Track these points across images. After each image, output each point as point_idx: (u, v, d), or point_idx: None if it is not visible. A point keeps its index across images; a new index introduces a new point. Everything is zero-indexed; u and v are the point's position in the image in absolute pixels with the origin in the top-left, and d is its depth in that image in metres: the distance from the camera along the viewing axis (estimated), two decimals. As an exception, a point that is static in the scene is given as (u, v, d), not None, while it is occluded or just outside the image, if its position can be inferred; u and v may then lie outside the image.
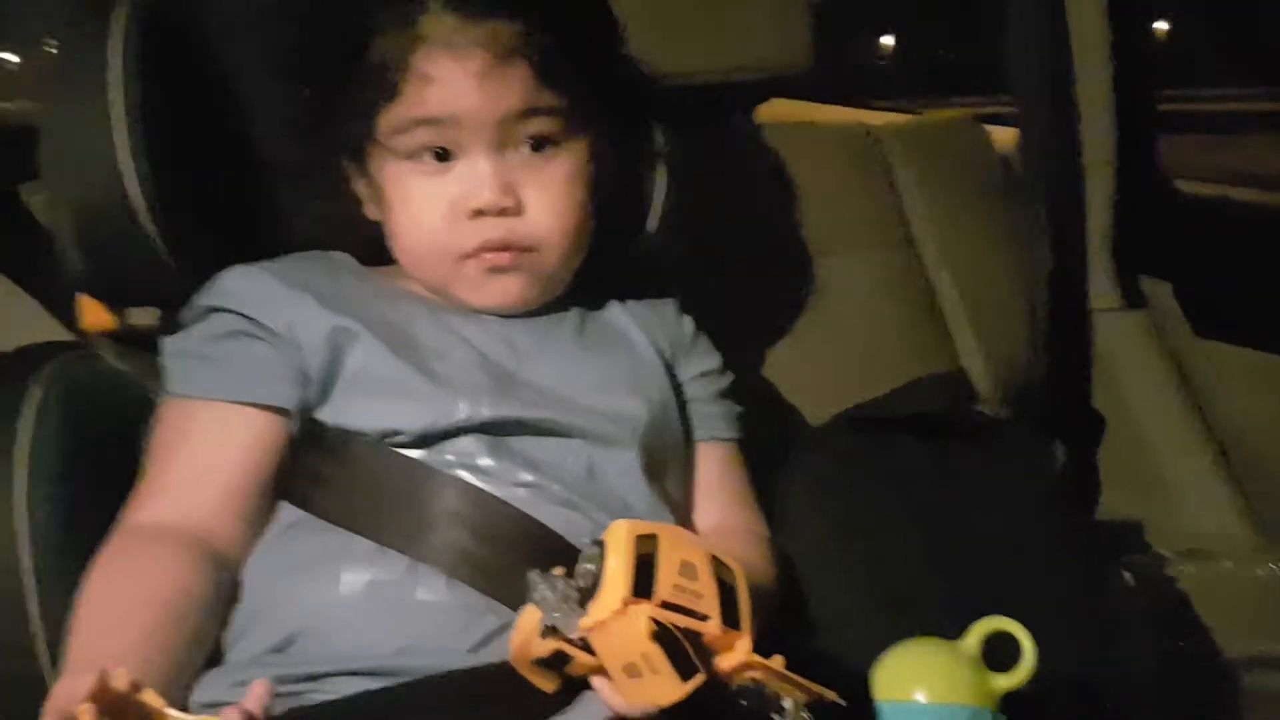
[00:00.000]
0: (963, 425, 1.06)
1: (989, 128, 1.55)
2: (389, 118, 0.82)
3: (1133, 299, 1.41)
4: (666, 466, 0.89)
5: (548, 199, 0.84)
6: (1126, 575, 1.02)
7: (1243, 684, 1.11)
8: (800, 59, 1.39)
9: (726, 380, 0.97)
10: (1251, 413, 1.35)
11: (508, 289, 0.86)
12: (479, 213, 0.82)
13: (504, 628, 0.75)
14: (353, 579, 0.77)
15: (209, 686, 0.74)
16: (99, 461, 0.85)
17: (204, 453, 0.80)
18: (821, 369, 1.26)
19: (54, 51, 0.89)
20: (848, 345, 1.29)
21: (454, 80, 0.80)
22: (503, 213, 0.83)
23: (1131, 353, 1.40)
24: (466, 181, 0.82)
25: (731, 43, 1.35)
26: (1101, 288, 1.41)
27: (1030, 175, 1.39)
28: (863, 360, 1.29)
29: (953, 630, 0.78)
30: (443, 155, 0.83)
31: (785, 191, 1.34)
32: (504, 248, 0.84)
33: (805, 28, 1.38)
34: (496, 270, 0.85)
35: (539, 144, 0.84)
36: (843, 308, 1.31)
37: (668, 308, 0.98)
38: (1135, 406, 1.38)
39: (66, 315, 0.96)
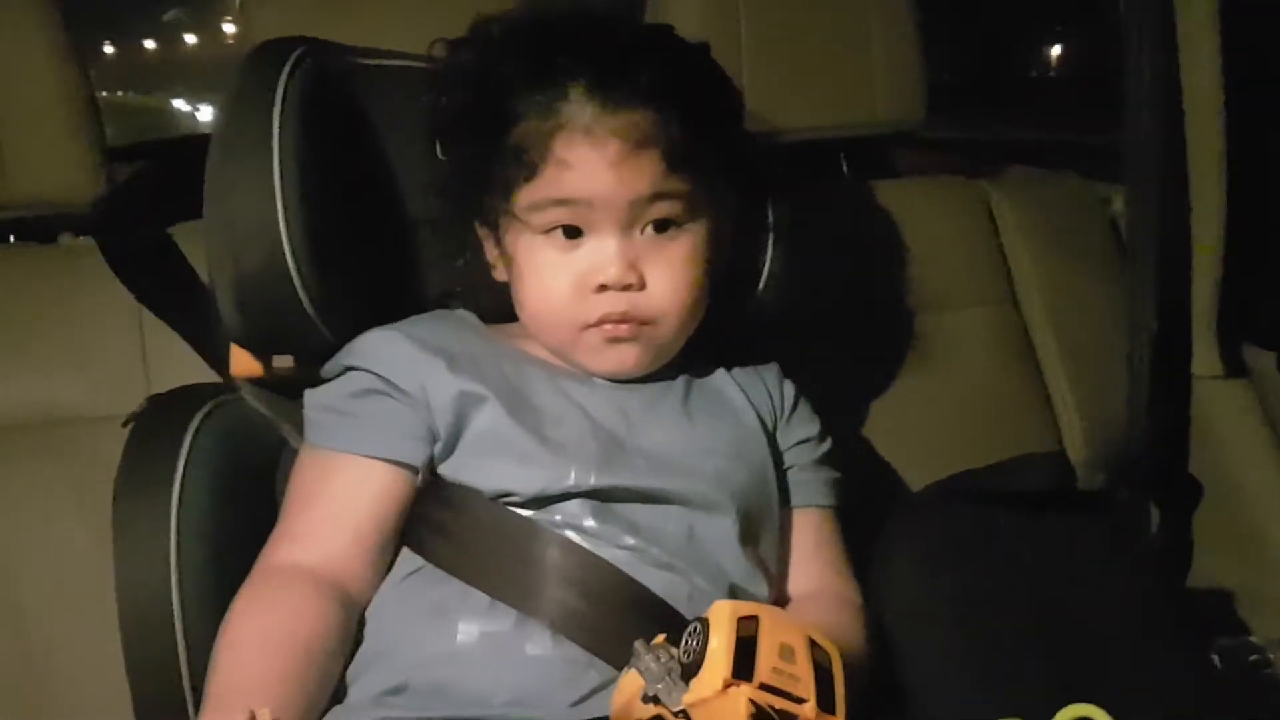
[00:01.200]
0: (1060, 502, 1.07)
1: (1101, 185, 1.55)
2: (526, 195, 0.87)
3: (1235, 368, 1.41)
4: (763, 532, 0.93)
5: (668, 277, 0.89)
6: (1215, 659, 1.03)
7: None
8: (914, 112, 1.41)
9: (826, 447, 1.00)
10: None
11: (625, 357, 0.91)
12: (604, 287, 0.88)
13: (605, 684, 0.80)
14: (468, 629, 0.82)
15: (336, 723, 0.80)
16: (241, 499, 0.92)
17: (339, 501, 0.86)
18: (922, 428, 1.28)
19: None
20: (949, 405, 1.31)
21: (590, 166, 0.85)
22: (626, 288, 0.88)
23: (1232, 421, 1.39)
24: (594, 258, 0.88)
25: (848, 99, 1.38)
26: (1204, 354, 1.40)
27: (1137, 237, 1.39)
28: (963, 420, 1.31)
29: (1045, 711, 0.80)
30: (573, 232, 0.88)
31: (893, 247, 1.36)
32: (624, 320, 0.89)
33: (920, 81, 1.40)
34: (616, 340, 0.90)
35: (663, 225, 0.88)
36: (945, 366, 1.33)
37: (770, 373, 1.01)
38: (1234, 475, 1.37)
39: (214, 355, 1.03)
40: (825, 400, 1.04)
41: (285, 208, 0.87)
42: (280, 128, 0.88)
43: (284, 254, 0.87)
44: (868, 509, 1.04)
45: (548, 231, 0.88)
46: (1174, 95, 1.36)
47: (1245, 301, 1.39)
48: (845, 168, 1.50)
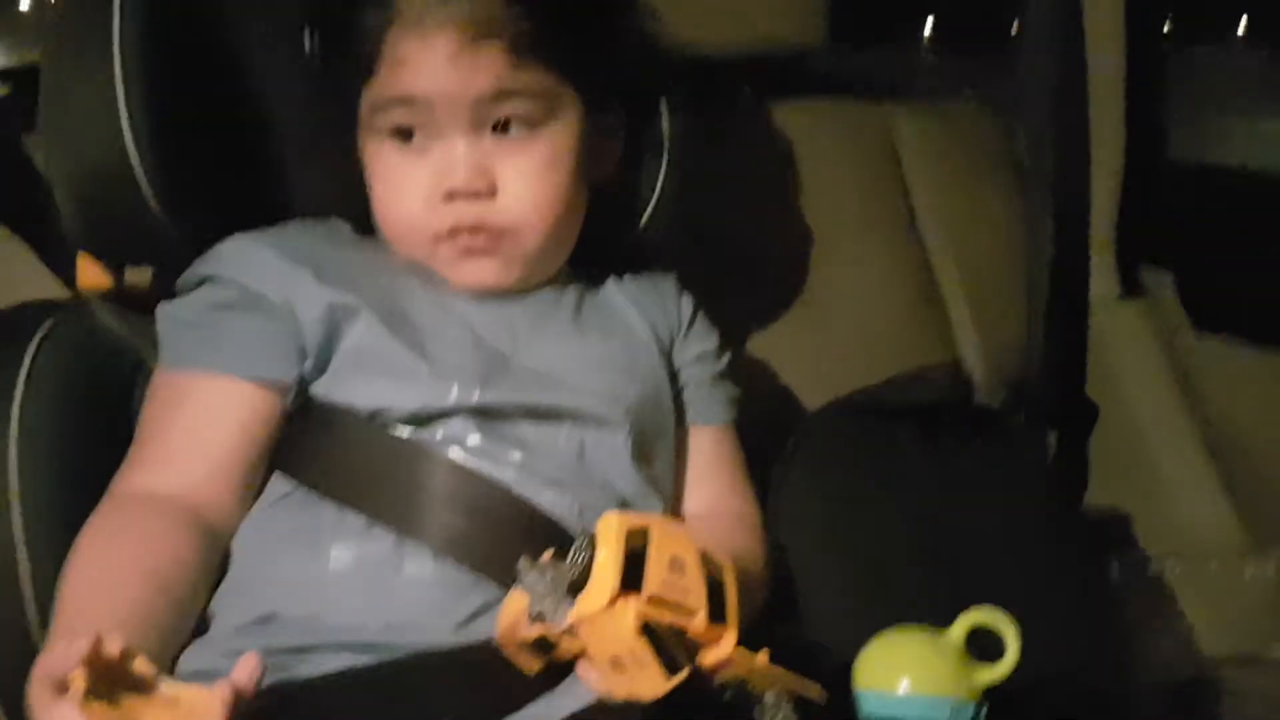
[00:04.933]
0: (957, 417, 1.05)
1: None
2: (368, 96, 0.82)
3: (1133, 289, 1.41)
4: (657, 449, 0.89)
5: (524, 183, 0.83)
6: (1113, 570, 1.03)
7: (1225, 683, 1.12)
8: (812, 35, 1.37)
9: (723, 362, 0.97)
10: (1246, 411, 1.34)
11: (484, 271, 0.85)
12: (452, 195, 0.82)
13: (490, 605, 0.75)
14: (341, 554, 0.77)
15: (197, 655, 0.74)
16: (91, 423, 0.85)
17: (198, 424, 0.80)
18: (820, 354, 1.25)
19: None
20: (847, 331, 1.29)
21: (424, 62, 0.79)
22: (476, 196, 0.82)
23: (1128, 344, 1.39)
24: (441, 163, 0.82)
25: (740, 15, 1.33)
26: (1102, 276, 1.40)
27: (1036, 161, 1.38)
28: (861, 346, 1.28)
29: (941, 623, 0.79)
30: (419, 135, 0.82)
31: (790, 174, 1.32)
32: (477, 230, 0.83)
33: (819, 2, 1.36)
34: (472, 253, 0.84)
35: (518, 126, 0.82)
36: (844, 292, 1.30)
37: (667, 286, 0.97)
38: (1129, 398, 1.38)
39: (66, 272, 0.95)
40: (724, 321, 1.00)
41: (128, 103, 0.80)
42: (122, 20, 0.80)
43: (123, 141, 0.80)
44: (766, 434, 1.01)
45: (392, 135, 0.82)
46: (1074, 14, 1.35)
47: (1144, 222, 1.39)
48: (748, 91, 1.46)
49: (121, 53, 0.81)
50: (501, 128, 0.82)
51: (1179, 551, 1.13)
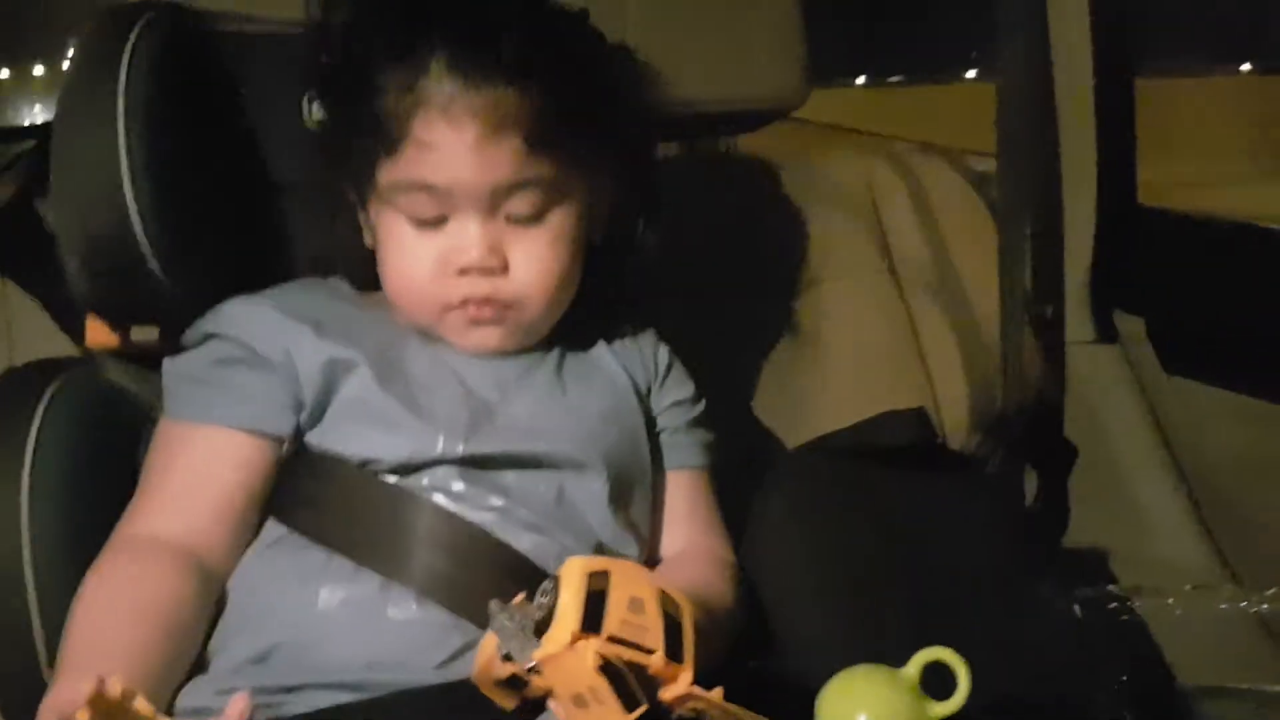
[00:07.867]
0: (929, 458, 1.10)
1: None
2: (388, 173, 0.86)
3: (1107, 333, 1.45)
4: (633, 493, 0.94)
5: (533, 261, 0.88)
6: (1076, 608, 1.06)
7: (1196, 715, 1.15)
8: (795, 94, 1.42)
9: (699, 409, 1.01)
10: (1217, 449, 1.38)
11: (488, 338, 0.90)
12: (465, 271, 0.87)
13: (470, 645, 0.80)
14: (329, 595, 0.82)
15: (194, 693, 0.80)
16: (99, 474, 0.90)
17: (198, 473, 0.85)
18: (800, 395, 1.29)
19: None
20: (826, 372, 1.32)
21: (450, 149, 0.83)
22: (488, 272, 0.87)
23: (1104, 386, 1.43)
24: (455, 240, 0.87)
25: (726, 74, 1.38)
26: (1077, 321, 1.44)
27: (1010, 203, 1.42)
28: (840, 388, 1.32)
29: (910, 653, 0.83)
30: (436, 217, 0.87)
31: (770, 218, 1.37)
32: (486, 303, 0.88)
33: (801, 63, 1.41)
34: (479, 322, 0.89)
35: (529, 210, 0.87)
36: (823, 335, 1.34)
37: (646, 338, 1.02)
38: (1106, 438, 1.41)
39: (76, 329, 1.00)
40: (704, 364, 1.04)
41: (131, 171, 0.85)
42: (126, 92, 0.86)
43: (129, 217, 0.85)
44: (746, 472, 1.06)
45: (409, 211, 0.87)
46: (1044, 58, 1.39)
47: (1116, 268, 1.43)
48: (726, 140, 1.51)
49: (125, 119, 0.86)
50: (514, 214, 0.87)
51: (1139, 589, 1.16)
